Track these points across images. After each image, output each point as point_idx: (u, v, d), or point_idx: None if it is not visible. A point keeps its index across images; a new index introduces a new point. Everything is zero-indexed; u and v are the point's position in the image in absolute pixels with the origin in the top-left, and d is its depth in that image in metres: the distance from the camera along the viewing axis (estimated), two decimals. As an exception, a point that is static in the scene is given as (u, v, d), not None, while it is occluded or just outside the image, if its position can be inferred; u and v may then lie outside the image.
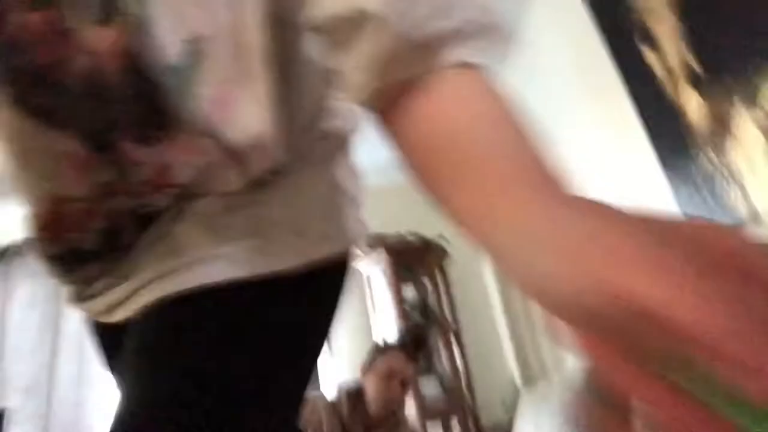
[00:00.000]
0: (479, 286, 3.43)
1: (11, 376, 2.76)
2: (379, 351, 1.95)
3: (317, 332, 0.59)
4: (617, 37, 1.82)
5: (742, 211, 1.41)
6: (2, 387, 2.73)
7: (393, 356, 1.89)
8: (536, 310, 2.35)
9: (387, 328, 2.99)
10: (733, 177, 1.42)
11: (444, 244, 3.27)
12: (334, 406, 1.85)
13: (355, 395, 1.86)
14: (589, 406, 0.32)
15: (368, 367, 1.91)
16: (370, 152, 3.33)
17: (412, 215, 3.41)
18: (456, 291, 3.27)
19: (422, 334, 1.99)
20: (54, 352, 2.80)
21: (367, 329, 3.14)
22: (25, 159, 0.51)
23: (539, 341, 2.77)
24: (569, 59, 2.17)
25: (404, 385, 1.87)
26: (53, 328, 2.88)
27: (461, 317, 3.21)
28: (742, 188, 1.40)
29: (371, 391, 1.84)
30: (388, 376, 1.84)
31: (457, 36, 0.36)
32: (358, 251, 3.11)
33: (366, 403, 1.83)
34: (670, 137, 1.63)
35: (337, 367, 3.11)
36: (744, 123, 1.38)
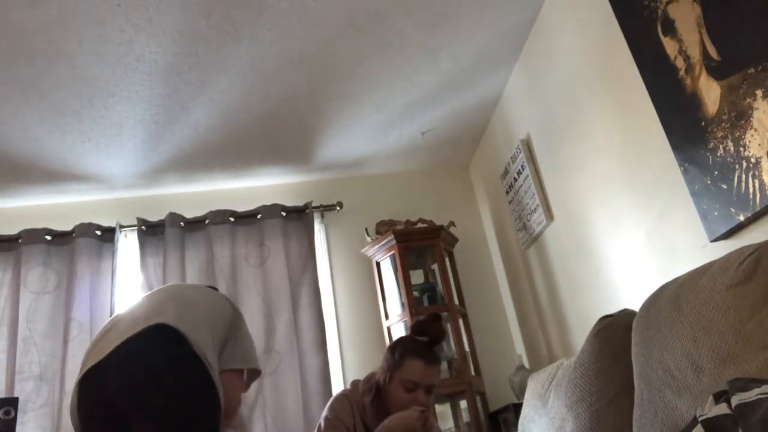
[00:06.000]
0: (487, 271, 3.45)
1: (23, 364, 2.78)
2: (399, 350, 1.83)
3: None
4: (636, 25, 1.79)
5: (758, 201, 1.41)
6: (14, 375, 2.74)
7: (412, 366, 1.78)
8: (543, 295, 2.35)
9: (395, 315, 3.01)
10: (751, 167, 1.42)
11: (452, 230, 3.27)
12: (353, 400, 1.80)
13: (376, 394, 1.80)
14: None
15: (391, 370, 1.81)
16: (381, 141, 3.34)
17: (422, 201, 3.42)
18: (464, 276, 3.29)
19: (438, 326, 1.85)
20: (65, 340, 2.82)
21: (376, 314, 3.17)
22: None
23: (546, 325, 2.80)
24: (587, 45, 2.15)
25: (429, 392, 1.78)
26: (65, 316, 2.89)
27: (469, 301, 3.23)
28: (759, 178, 1.40)
29: (394, 399, 1.77)
30: (410, 389, 1.76)
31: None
32: (368, 237, 3.12)
33: (388, 402, 1.77)
34: (685, 126, 1.62)
35: (346, 354, 3.14)
36: (763, 113, 1.37)
